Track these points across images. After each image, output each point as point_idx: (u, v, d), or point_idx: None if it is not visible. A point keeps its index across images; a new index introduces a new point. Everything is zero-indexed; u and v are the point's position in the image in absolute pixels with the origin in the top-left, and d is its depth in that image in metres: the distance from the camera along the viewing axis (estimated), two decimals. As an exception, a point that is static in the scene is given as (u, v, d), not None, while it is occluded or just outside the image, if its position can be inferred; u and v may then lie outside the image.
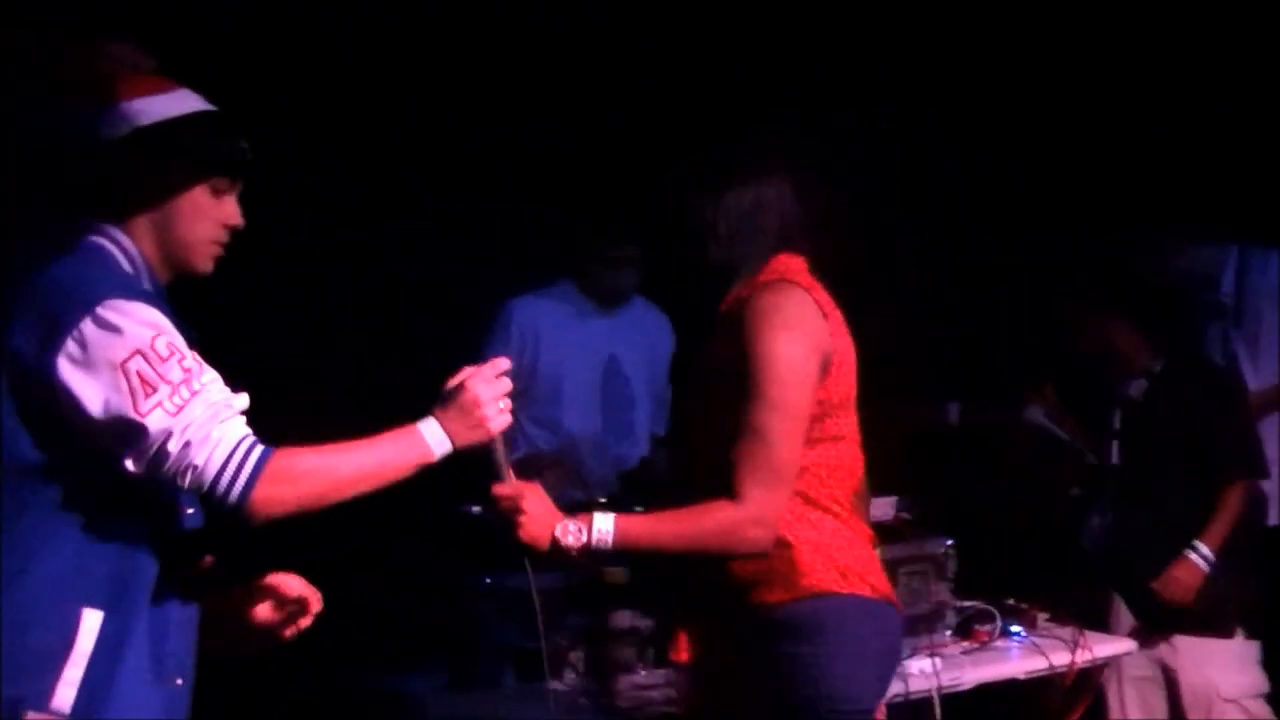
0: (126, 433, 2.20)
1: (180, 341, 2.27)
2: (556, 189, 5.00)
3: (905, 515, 3.76)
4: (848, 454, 2.83)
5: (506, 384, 2.47)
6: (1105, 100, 5.70)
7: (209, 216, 2.42)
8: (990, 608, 3.84)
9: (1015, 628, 3.85)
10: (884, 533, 3.67)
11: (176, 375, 2.22)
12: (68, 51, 2.45)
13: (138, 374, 2.20)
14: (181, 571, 2.37)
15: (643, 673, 3.36)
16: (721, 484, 2.66)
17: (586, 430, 4.53)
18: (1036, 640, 3.79)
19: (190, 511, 2.38)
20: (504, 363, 2.49)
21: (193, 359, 2.27)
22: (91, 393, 2.20)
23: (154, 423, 2.19)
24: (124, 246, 2.38)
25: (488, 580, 3.26)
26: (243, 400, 2.30)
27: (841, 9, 5.42)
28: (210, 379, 2.27)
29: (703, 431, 2.79)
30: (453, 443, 2.41)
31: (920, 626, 3.72)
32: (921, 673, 3.50)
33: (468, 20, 4.98)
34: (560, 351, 4.51)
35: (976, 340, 5.59)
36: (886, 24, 5.53)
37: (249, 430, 2.27)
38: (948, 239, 5.71)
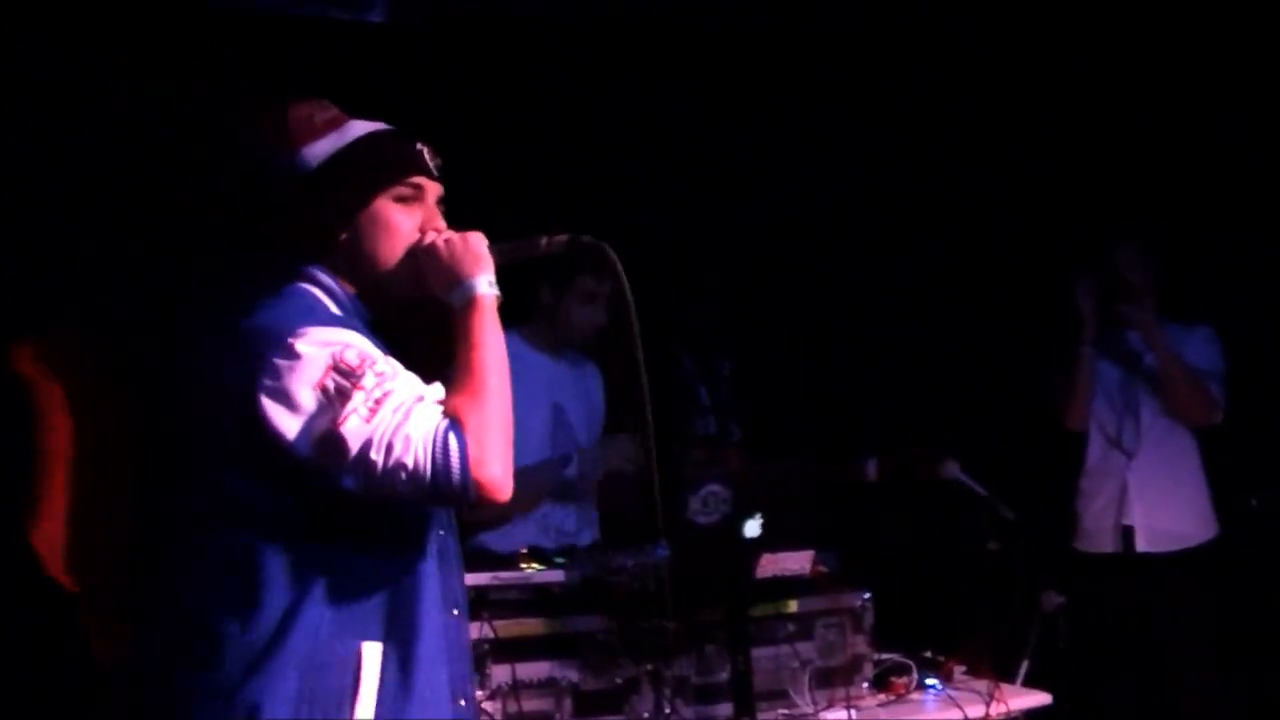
0: (332, 450, 2.18)
1: (371, 350, 2.26)
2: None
3: (822, 568, 3.78)
4: None
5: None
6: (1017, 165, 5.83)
7: (401, 229, 2.40)
8: (907, 660, 3.87)
9: (931, 680, 3.87)
10: (801, 586, 3.71)
11: (369, 381, 2.21)
12: (259, 112, 2.44)
13: (334, 388, 2.19)
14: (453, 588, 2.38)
15: (560, 725, 3.36)
16: None
17: None
18: (952, 693, 3.81)
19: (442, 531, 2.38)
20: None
21: (386, 363, 2.25)
22: (292, 422, 2.19)
23: (350, 430, 2.17)
24: (327, 286, 2.38)
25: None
26: (436, 390, 2.29)
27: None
28: (401, 379, 2.25)
29: None
30: (485, 273, 2.39)
31: (837, 679, 3.75)
32: (837, 725, 3.53)
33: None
34: (515, 399, 4.32)
35: (896, 395, 5.65)
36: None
37: (439, 414, 2.24)
38: (873, 290, 5.78)
